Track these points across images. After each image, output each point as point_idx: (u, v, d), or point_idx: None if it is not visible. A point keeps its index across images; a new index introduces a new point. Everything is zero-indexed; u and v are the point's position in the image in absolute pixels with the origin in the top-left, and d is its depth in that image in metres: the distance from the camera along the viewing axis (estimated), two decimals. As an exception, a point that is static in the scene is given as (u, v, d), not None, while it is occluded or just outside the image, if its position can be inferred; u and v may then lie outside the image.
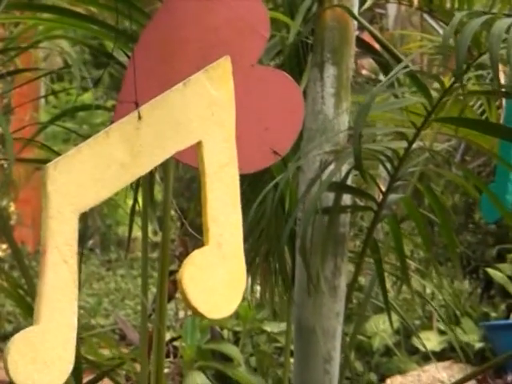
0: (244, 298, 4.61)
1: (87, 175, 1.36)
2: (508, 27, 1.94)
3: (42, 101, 11.58)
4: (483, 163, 4.71)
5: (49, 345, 1.33)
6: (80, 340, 7.33)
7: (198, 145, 1.38)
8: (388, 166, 2.34)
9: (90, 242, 14.92)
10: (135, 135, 1.37)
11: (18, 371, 1.29)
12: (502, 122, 2.55)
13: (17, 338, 1.30)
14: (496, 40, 1.93)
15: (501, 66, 2.76)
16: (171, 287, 5.85)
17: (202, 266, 1.32)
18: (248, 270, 3.33)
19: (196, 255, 1.33)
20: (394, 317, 5.55)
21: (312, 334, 2.42)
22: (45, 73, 3.47)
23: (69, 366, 1.34)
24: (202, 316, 1.33)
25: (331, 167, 2.30)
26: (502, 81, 2.70)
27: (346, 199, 2.42)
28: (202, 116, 1.38)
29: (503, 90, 2.14)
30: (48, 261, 1.33)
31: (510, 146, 2.38)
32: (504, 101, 2.59)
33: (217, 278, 1.31)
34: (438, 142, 2.73)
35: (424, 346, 5.46)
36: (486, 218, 2.52)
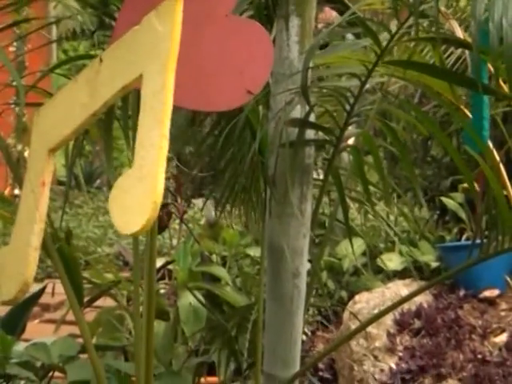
0: (230, 226, 4.64)
1: (57, 117, 1.39)
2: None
3: (54, 58, 11.52)
4: (439, 104, 4.70)
5: (12, 262, 1.36)
6: (86, 264, 7.39)
7: (140, 77, 1.35)
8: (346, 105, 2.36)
9: (98, 182, 14.97)
10: (95, 77, 1.37)
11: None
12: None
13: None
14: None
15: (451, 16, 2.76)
16: (165, 218, 5.89)
17: (123, 187, 1.29)
18: (229, 201, 3.37)
19: (121, 177, 1.30)
20: (362, 241, 5.62)
21: (282, 252, 2.45)
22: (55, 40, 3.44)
23: (29, 281, 1.36)
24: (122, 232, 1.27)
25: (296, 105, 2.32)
26: (460, 34, 2.70)
27: (310, 134, 2.44)
28: (146, 50, 1.35)
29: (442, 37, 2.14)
30: (23, 191, 1.36)
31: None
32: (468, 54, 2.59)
33: (133, 198, 1.26)
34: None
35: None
36: (472, 150, 2.51)
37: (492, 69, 2.16)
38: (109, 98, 1.36)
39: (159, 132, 1.27)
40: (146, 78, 1.32)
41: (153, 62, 1.33)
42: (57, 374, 3.16)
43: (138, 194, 1.25)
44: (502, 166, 2.46)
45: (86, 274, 4.38)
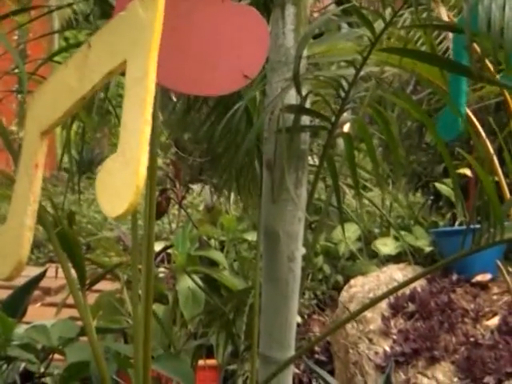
0: (227, 211, 4.62)
1: (49, 101, 1.39)
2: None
3: (56, 46, 11.46)
4: (433, 91, 4.69)
5: (7, 242, 1.36)
6: (88, 247, 7.37)
7: (125, 63, 1.34)
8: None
9: (99, 168, 14.98)
10: (84, 62, 1.37)
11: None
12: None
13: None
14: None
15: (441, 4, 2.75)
16: (164, 204, 5.89)
17: (109, 171, 1.29)
18: (226, 187, 3.37)
19: (107, 161, 1.30)
20: (357, 226, 5.62)
21: (277, 237, 2.45)
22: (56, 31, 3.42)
23: (23, 260, 1.36)
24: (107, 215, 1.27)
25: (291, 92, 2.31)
26: (445, 18, 2.69)
27: (306, 120, 2.44)
28: (130, 37, 1.34)
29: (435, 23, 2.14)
30: (18, 174, 1.37)
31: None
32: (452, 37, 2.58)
33: (118, 182, 1.25)
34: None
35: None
36: (443, 137, 2.51)
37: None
38: (96, 83, 1.36)
39: (142, 118, 1.26)
40: (130, 64, 1.32)
41: (136, 48, 1.32)
42: (58, 356, 3.16)
43: (122, 178, 1.25)
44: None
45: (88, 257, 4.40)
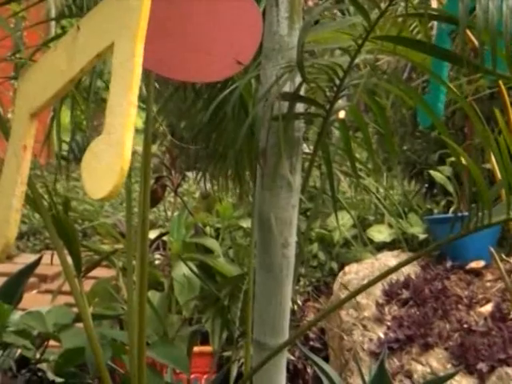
0: (221, 198, 4.61)
1: (38, 83, 1.39)
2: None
3: (52, 34, 11.42)
4: (427, 80, 4.69)
5: None
6: (84, 234, 7.33)
7: (112, 45, 1.33)
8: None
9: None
10: (72, 45, 1.37)
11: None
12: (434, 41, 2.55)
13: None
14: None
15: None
16: (160, 191, 5.88)
17: (94, 153, 1.27)
18: (221, 174, 3.36)
19: (93, 143, 1.29)
20: (352, 213, 5.62)
21: (271, 224, 2.44)
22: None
23: (11, 242, 1.36)
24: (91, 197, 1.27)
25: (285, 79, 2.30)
26: (434, 5, 2.68)
27: (300, 107, 2.43)
28: (117, 20, 1.33)
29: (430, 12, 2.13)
30: (6, 155, 1.36)
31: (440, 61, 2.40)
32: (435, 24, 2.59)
33: (102, 164, 1.24)
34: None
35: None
36: (421, 123, 2.53)
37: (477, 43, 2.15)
38: (84, 65, 1.35)
39: (127, 99, 1.25)
40: (117, 47, 1.31)
41: (123, 31, 1.31)
42: (53, 343, 3.16)
43: (107, 160, 1.24)
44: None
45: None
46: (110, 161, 1.23)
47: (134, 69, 1.26)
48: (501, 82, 2.64)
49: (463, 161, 2.23)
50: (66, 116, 3.12)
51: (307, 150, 2.82)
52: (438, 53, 2.28)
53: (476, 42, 2.40)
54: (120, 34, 1.31)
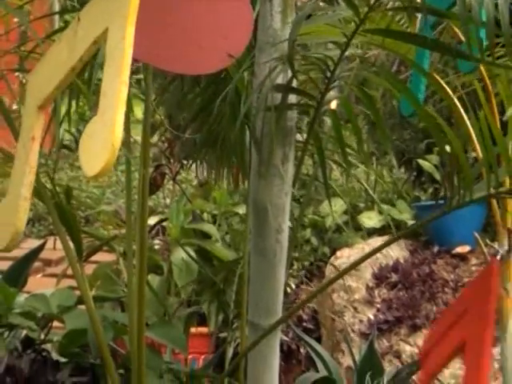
0: (218, 186, 4.61)
1: (44, 76, 1.40)
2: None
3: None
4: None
5: (4, 213, 1.37)
6: (87, 220, 7.33)
7: (107, 31, 1.33)
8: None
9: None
10: (74, 36, 1.37)
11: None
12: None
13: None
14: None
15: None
16: (159, 178, 5.89)
17: (89, 133, 1.27)
18: (219, 163, 3.36)
19: (88, 124, 1.28)
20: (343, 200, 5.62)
21: (265, 210, 2.45)
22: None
23: (20, 230, 1.37)
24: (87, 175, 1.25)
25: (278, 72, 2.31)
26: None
27: (292, 98, 2.43)
28: (111, 9, 1.32)
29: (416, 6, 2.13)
30: (17, 147, 1.37)
31: (422, 52, 2.40)
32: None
33: (96, 143, 1.24)
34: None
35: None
36: (403, 111, 2.53)
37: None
38: (83, 53, 1.35)
39: (119, 78, 1.24)
40: (110, 32, 1.31)
41: (116, 18, 1.31)
42: (57, 324, 3.17)
43: (101, 138, 1.23)
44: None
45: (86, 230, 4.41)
46: (103, 139, 1.22)
47: (125, 49, 1.25)
48: (482, 68, 2.63)
49: (446, 142, 2.25)
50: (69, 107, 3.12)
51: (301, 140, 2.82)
52: (427, 44, 2.27)
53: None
54: (113, 20, 1.30)
